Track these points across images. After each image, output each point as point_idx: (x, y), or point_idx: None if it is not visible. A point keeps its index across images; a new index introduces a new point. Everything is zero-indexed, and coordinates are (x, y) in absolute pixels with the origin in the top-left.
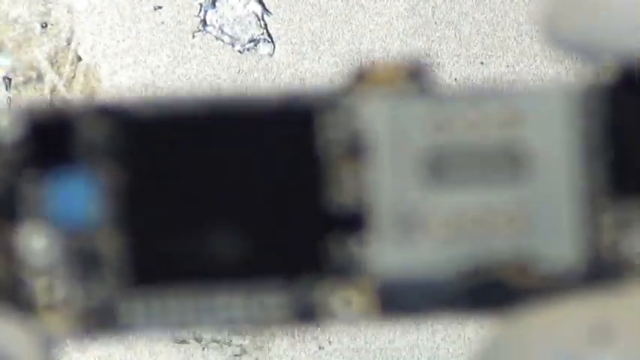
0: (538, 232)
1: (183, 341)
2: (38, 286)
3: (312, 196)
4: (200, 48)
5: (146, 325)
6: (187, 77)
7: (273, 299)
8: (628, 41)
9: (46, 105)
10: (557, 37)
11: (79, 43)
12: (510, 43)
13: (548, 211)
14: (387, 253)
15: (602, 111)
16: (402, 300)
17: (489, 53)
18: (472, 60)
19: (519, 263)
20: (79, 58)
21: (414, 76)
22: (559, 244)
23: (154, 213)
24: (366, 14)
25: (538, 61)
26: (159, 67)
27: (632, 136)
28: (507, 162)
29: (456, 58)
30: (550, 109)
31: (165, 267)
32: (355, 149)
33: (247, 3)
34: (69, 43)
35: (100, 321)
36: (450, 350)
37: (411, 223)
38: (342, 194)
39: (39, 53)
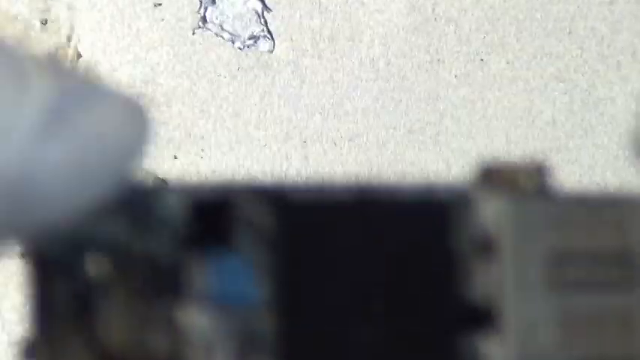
0: None
1: None
2: None
3: (445, 290)
4: (200, 45)
5: None
6: (187, 74)
7: None
8: None
9: (208, 185)
10: None
11: (78, 40)
12: (510, 40)
13: None
14: (509, 352)
15: None
16: None
17: (489, 50)
18: (472, 57)
19: None
20: (79, 55)
21: (536, 178)
22: None
23: (303, 298)
24: (365, 11)
25: (538, 58)
26: (159, 64)
27: None
28: (618, 267)
29: (456, 55)
30: None
31: (311, 353)
32: (483, 247)
33: (247, 0)
34: (69, 40)
35: None
36: None
37: (531, 323)
38: (471, 291)
39: (39, 50)
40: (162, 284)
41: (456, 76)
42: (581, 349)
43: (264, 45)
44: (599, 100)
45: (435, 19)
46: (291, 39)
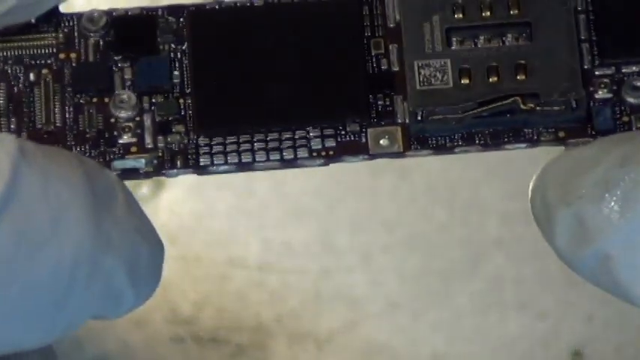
0: (540, 74)
1: (181, 340)
2: (128, 131)
3: (357, 64)
4: None
5: (214, 162)
6: None
7: (318, 139)
8: None
9: (135, 10)
10: None
11: None
12: None
13: (547, 59)
14: (411, 105)
15: None
16: (431, 133)
17: None
18: None
19: (526, 94)
20: None
21: None
22: (556, 82)
23: (220, 75)
24: None
25: None
26: None
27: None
28: (514, 25)
29: None
30: None
31: (230, 116)
32: (388, 30)
33: None
34: None
35: (177, 159)
36: (450, 349)
37: (427, 78)
38: (381, 61)
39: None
40: (94, 79)
41: None
42: (485, 85)
43: None
44: None
45: None
46: None
